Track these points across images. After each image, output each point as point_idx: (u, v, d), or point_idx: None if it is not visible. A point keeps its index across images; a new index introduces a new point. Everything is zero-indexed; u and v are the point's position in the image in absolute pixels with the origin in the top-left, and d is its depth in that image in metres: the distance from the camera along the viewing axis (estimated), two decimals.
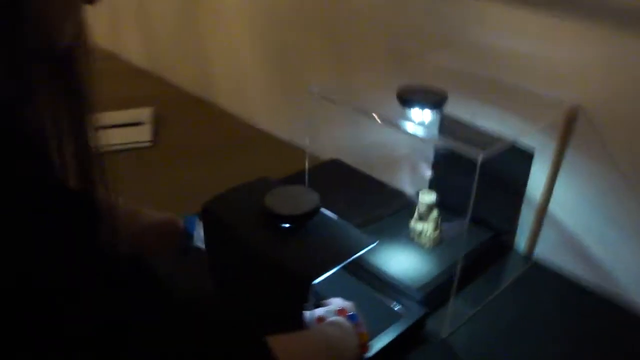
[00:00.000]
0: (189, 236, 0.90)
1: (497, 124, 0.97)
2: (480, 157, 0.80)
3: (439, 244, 1.13)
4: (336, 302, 0.85)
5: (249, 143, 1.61)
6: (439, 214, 1.11)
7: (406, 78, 1.10)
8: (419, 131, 0.95)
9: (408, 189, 1.31)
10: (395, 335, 0.89)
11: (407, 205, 1.20)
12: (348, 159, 1.45)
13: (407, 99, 1.00)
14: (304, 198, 0.83)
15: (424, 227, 1.12)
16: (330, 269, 0.75)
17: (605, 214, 1.04)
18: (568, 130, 1.02)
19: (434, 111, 1.00)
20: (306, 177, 1.13)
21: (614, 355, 0.94)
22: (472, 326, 0.99)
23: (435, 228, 1.12)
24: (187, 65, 1.97)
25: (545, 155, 1.06)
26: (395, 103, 0.99)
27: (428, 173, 1.25)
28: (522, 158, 1.06)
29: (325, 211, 0.87)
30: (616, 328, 1.00)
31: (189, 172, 1.42)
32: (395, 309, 0.96)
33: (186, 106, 1.89)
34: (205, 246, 0.90)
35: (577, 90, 0.99)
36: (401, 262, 1.08)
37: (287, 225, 0.82)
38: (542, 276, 1.12)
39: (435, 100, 1.00)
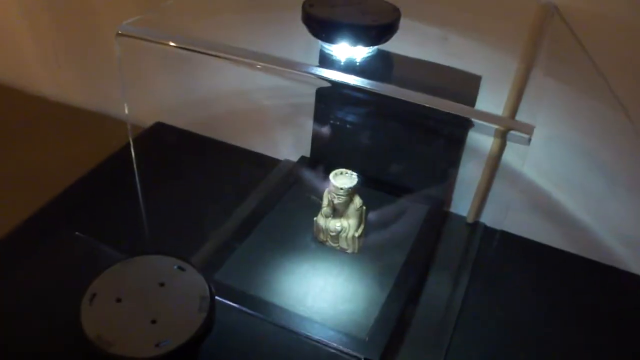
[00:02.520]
0: None
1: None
2: None
3: (362, 244, 0.94)
4: None
5: (44, 121, 1.37)
6: (362, 204, 0.92)
7: None
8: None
9: (288, 154, 1.18)
10: None
11: (293, 182, 1.06)
12: (193, 124, 1.29)
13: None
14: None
15: (343, 225, 0.91)
16: None
17: (589, 159, 0.95)
18: (538, 34, 0.86)
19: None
20: (132, 155, 0.89)
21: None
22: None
23: (360, 224, 0.92)
24: None
25: (499, 81, 0.90)
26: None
27: (325, 132, 1.07)
28: (466, 86, 0.91)
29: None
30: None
31: None
32: None
33: None
34: None
35: None
36: (320, 290, 0.86)
37: None
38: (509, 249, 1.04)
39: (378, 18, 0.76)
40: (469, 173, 1.01)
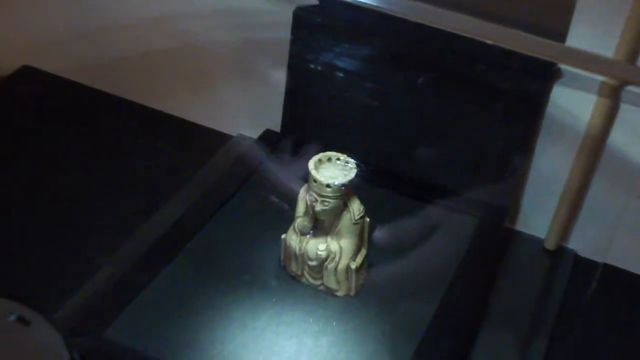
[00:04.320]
0: None
1: None
2: None
3: (365, 281, 0.81)
4: None
5: None
6: (364, 213, 0.76)
7: None
8: None
9: (242, 127, 1.03)
10: None
11: (248, 174, 0.92)
12: (83, 72, 1.12)
13: None
14: None
15: (331, 249, 0.75)
16: None
17: None
18: None
19: None
20: None
21: None
22: None
23: (360, 247, 0.77)
24: None
25: (608, 3, 0.79)
26: None
27: (307, 90, 0.97)
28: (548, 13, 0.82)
29: None
30: None
31: None
32: None
33: None
34: None
35: None
36: None
37: None
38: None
39: None
40: (550, 166, 0.90)
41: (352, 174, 0.76)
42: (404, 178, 0.95)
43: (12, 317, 0.61)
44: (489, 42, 0.72)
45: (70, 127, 1.08)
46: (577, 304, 0.91)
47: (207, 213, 0.89)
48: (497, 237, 0.94)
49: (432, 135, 0.95)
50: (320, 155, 0.78)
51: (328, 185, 0.73)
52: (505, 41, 0.64)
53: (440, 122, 0.93)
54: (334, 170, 0.77)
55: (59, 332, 0.60)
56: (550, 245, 0.95)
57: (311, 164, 0.76)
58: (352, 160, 0.79)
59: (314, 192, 0.75)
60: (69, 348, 0.59)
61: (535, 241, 0.97)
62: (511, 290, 0.91)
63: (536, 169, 0.92)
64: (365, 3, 0.60)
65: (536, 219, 0.96)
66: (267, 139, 1.01)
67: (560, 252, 0.97)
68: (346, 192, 0.76)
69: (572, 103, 0.85)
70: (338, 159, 0.77)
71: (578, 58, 0.60)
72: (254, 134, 1.03)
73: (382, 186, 0.94)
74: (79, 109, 1.15)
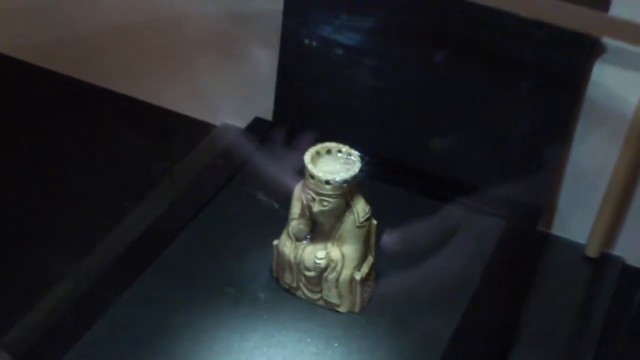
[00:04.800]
0: None
1: None
2: None
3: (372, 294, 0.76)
4: None
5: None
6: (370, 214, 0.69)
7: None
8: None
9: (228, 115, 0.96)
10: None
11: (235, 168, 0.87)
12: (47, 54, 1.05)
13: None
14: None
15: (331, 257, 0.68)
16: None
17: None
18: None
19: None
20: None
21: None
22: None
23: (366, 255, 0.70)
24: None
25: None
26: None
27: (302, 71, 0.93)
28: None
29: None
30: None
31: None
32: None
33: None
34: None
35: None
36: None
37: None
38: None
39: None
40: (591, 158, 0.84)
41: (355, 168, 0.69)
42: (417, 173, 0.89)
43: None
44: (522, 13, 0.65)
45: (23, 115, 1.02)
46: (624, 320, 0.85)
47: (186, 215, 0.83)
48: (528, 242, 0.88)
49: (449, 121, 0.88)
50: (318, 146, 0.71)
51: (327, 182, 0.67)
52: (537, 11, 0.54)
53: (459, 106, 0.86)
54: (334, 164, 0.70)
55: (10, 356, 0.55)
56: (592, 252, 0.89)
57: (307, 157, 0.69)
58: (356, 152, 0.73)
59: (311, 190, 0.69)
60: None
61: (575, 247, 0.91)
62: (546, 305, 0.84)
63: (575, 161, 0.86)
64: None
65: (575, 221, 0.90)
66: (257, 128, 0.95)
67: (604, 260, 0.91)
68: (349, 190, 0.70)
69: (617, 83, 0.80)
70: (339, 151, 0.71)
71: (624, 29, 0.55)
72: (242, 123, 0.97)
73: (392, 182, 0.88)
74: (34, 93, 1.08)
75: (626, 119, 0.79)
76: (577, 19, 0.60)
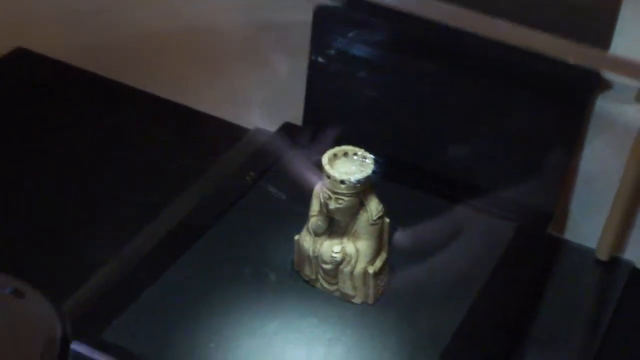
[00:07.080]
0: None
1: None
2: None
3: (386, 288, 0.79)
4: None
5: None
6: (383, 213, 0.74)
7: None
8: None
9: (261, 119, 0.98)
10: None
11: (266, 169, 0.89)
12: (84, 55, 1.08)
13: None
14: None
15: (347, 252, 0.73)
16: None
17: None
18: None
19: None
20: None
21: None
22: None
23: (379, 250, 0.74)
24: None
25: None
26: None
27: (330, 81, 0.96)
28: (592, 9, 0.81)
29: None
30: None
31: None
32: None
33: None
34: None
35: None
36: None
37: None
38: None
39: None
40: (601, 161, 0.84)
41: (368, 170, 0.72)
42: (431, 176, 0.90)
43: (8, 290, 0.59)
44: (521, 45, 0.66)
45: (67, 115, 1.04)
46: (634, 324, 0.86)
47: (218, 211, 0.86)
48: (538, 245, 0.90)
49: (463, 128, 0.89)
50: (336, 149, 0.74)
51: (342, 182, 0.70)
52: (539, 45, 0.57)
53: (473, 113, 0.88)
54: (350, 165, 0.73)
55: (52, 303, 0.59)
56: (602, 255, 0.88)
57: (325, 159, 0.73)
58: (370, 155, 0.76)
59: (328, 189, 0.72)
60: (61, 319, 0.57)
61: (585, 251, 0.90)
62: (555, 307, 0.85)
63: (585, 166, 0.87)
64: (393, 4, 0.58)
65: (586, 224, 0.90)
66: (286, 132, 0.98)
67: (614, 264, 0.90)
68: (363, 190, 0.73)
69: (627, 88, 0.82)
70: (355, 154, 0.74)
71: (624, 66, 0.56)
72: (273, 127, 0.99)
73: (406, 184, 0.90)
74: (76, 95, 1.10)
75: (636, 124, 0.80)
76: (573, 54, 0.58)
